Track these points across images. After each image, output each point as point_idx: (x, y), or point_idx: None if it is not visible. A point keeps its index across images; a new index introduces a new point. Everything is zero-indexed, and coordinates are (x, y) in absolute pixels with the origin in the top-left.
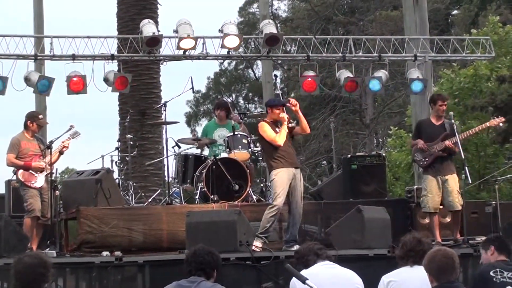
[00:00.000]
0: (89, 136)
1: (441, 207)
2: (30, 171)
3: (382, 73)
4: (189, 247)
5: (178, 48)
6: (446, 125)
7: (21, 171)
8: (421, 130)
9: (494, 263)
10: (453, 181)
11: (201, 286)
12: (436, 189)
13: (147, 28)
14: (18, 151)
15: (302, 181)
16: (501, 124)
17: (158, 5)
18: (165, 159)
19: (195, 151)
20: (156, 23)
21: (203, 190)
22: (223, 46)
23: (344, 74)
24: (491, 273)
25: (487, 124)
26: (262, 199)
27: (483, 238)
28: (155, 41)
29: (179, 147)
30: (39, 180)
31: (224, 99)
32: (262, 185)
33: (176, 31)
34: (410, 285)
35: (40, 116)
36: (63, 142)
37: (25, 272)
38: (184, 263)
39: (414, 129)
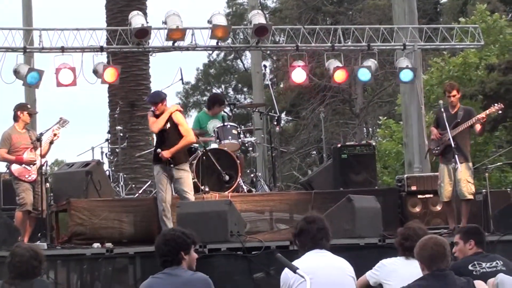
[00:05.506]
0: (79, 128)
1: (431, 195)
2: (23, 165)
3: (371, 63)
4: (157, 239)
5: (167, 39)
6: (460, 113)
7: (14, 166)
8: (438, 119)
9: (471, 257)
10: (462, 170)
11: (182, 277)
12: (447, 177)
13: (136, 19)
14: (10, 145)
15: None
16: (500, 112)
17: None
18: None
19: None
20: (145, 14)
21: (193, 181)
22: (212, 37)
23: (333, 64)
24: (470, 267)
25: (487, 112)
26: (253, 190)
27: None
28: (144, 33)
29: None
30: (33, 174)
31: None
32: (252, 175)
33: (165, 23)
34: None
35: (29, 106)
36: (53, 131)
37: (19, 264)
38: (156, 256)
39: (433, 118)
